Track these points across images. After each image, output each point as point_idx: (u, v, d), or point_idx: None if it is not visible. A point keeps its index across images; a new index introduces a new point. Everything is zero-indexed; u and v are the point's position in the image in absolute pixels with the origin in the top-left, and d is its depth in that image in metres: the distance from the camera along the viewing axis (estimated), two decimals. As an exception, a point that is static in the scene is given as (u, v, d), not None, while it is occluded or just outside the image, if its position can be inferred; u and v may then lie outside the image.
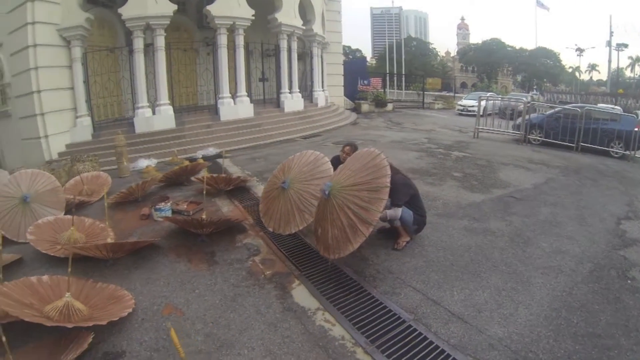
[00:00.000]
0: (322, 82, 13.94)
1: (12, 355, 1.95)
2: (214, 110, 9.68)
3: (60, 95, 7.82)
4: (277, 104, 11.13)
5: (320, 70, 13.27)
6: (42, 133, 7.44)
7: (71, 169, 5.39)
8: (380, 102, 17.22)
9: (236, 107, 9.71)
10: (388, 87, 23.96)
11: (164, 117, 8.50)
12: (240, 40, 9.27)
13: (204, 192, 4.23)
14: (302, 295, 2.71)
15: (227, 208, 4.74)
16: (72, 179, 4.93)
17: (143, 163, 7.10)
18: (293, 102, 11.21)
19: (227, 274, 3.04)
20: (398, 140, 9.45)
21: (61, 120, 7.89)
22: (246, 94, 9.92)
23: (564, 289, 2.82)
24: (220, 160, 7.43)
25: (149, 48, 8.18)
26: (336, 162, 4.18)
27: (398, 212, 3.31)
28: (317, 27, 12.28)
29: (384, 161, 2.98)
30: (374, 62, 49.66)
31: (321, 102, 12.96)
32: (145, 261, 3.25)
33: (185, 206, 4.54)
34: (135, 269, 3.12)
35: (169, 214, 4.30)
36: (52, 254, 3.00)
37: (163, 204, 4.23)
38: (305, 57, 13.10)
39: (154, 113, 8.45)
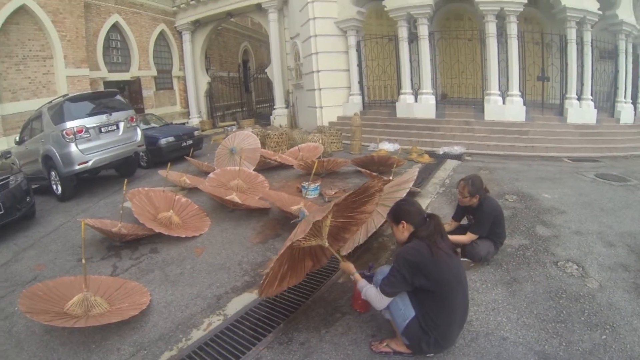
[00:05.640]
0: (637, 90, 9.73)
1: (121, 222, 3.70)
2: (480, 106, 8.88)
3: (335, 76, 10.17)
4: (560, 111, 8.62)
5: (627, 73, 9.47)
6: (318, 104, 10.22)
7: (316, 136, 7.44)
8: None
9: (504, 107, 8.54)
10: None
11: (425, 106, 8.85)
12: (511, 29, 7.90)
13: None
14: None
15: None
16: (299, 145, 6.92)
17: (384, 145, 8.14)
18: (581, 111, 8.46)
19: (248, 257, 3.47)
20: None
21: (334, 96, 10.33)
22: (519, 93, 8.49)
23: None
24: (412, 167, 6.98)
25: (429, 37, 8.69)
26: (458, 210, 3.16)
27: (382, 301, 2.04)
28: (623, 13, 8.94)
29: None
30: None
31: (626, 118, 9.15)
32: (238, 220, 4.34)
33: (332, 192, 5.12)
34: (225, 222, 4.29)
35: (314, 194, 5.07)
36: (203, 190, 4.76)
37: (307, 183, 5.02)
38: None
39: (415, 100, 9.02)
